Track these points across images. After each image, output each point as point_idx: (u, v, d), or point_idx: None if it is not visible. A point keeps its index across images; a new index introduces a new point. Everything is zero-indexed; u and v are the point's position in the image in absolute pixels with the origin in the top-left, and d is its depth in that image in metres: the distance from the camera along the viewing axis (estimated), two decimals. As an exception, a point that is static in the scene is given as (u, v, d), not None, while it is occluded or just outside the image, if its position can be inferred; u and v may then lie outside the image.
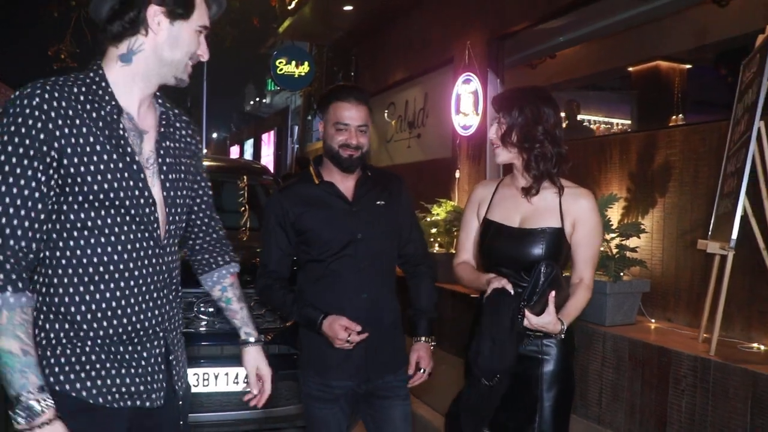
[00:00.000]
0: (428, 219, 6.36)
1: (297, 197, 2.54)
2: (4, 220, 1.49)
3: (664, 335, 4.02)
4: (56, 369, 1.59)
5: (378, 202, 2.58)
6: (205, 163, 6.17)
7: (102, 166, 1.58)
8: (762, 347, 3.69)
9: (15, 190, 1.49)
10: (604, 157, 5.07)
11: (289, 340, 3.47)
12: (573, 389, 2.49)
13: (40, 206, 1.52)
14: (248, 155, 26.84)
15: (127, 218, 1.64)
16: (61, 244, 1.59)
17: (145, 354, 1.70)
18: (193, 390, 3.38)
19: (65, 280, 1.60)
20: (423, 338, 2.67)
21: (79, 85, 1.61)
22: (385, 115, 9.56)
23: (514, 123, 2.37)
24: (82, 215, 1.59)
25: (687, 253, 4.34)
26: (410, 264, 2.75)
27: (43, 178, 1.52)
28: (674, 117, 7.01)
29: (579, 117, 10.45)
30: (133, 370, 1.67)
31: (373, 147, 9.20)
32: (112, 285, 1.63)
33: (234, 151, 30.23)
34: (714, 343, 3.48)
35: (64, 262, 1.60)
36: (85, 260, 1.60)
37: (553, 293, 2.22)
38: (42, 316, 1.61)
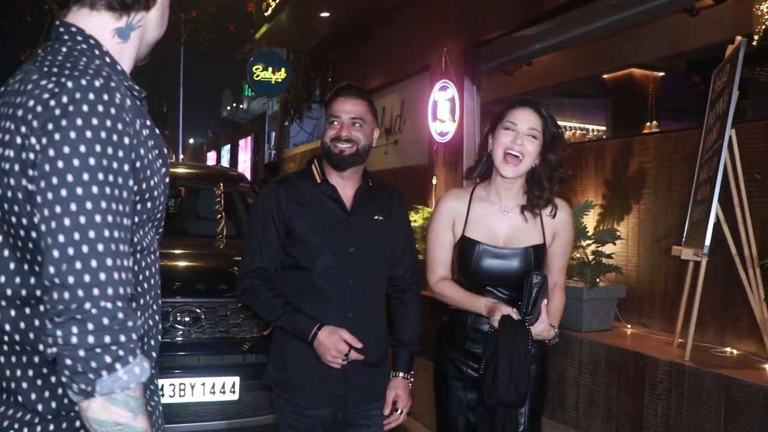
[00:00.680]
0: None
1: (295, 191, 2.35)
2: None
3: (640, 341, 4.06)
4: None
5: (376, 217, 2.40)
6: (181, 170, 6.18)
7: (150, 165, 1.31)
8: (735, 351, 3.73)
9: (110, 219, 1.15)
10: (579, 164, 5.11)
11: (266, 349, 3.46)
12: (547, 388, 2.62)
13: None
14: (225, 161, 26.69)
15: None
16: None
17: None
18: (169, 401, 3.35)
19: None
20: (401, 374, 2.46)
21: (110, 65, 1.30)
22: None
23: (547, 139, 2.31)
24: (141, 232, 1.34)
25: (661, 260, 4.38)
26: (398, 288, 2.52)
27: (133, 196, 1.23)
28: (648, 124, 7.09)
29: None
30: None
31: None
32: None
33: (211, 157, 30.03)
34: (689, 348, 3.52)
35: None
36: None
37: (545, 301, 2.23)
38: None
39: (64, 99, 1.14)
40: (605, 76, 7.93)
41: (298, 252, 2.31)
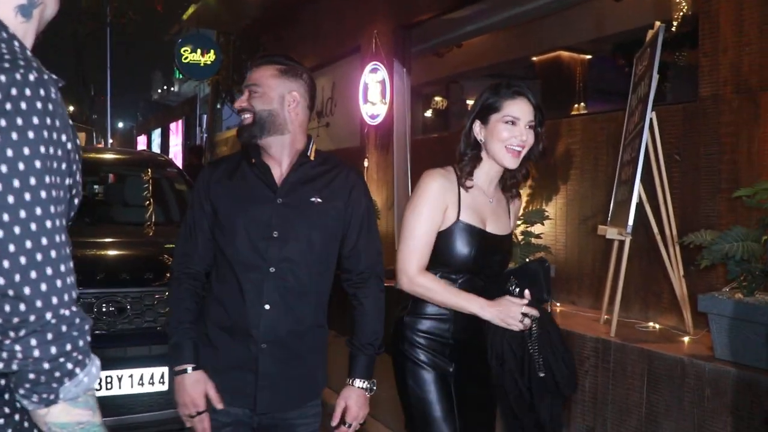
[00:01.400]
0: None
1: (224, 171, 2.16)
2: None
3: (569, 318, 4.15)
4: None
5: (313, 199, 2.11)
6: (107, 156, 5.99)
7: (76, 160, 1.24)
8: (657, 326, 3.86)
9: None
10: (509, 146, 5.17)
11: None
12: None
13: None
14: (156, 146, 26.08)
15: None
16: None
17: None
18: (96, 394, 3.25)
19: None
20: (357, 381, 2.16)
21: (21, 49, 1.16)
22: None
23: (539, 128, 2.23)
24: None
25: (588, 239, 4.49)
26: (352, 284, 2.22)
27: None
28: (576, 105, 7.21)
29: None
30: None
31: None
32: None
33: (141, 142, 29.29)
34: (614, 324, 3.62)
35: None
36: None
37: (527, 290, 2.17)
38: None
39: None
40: (534, 58, 8.02)
41: (220, 235, 2.12)
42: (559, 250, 4.71)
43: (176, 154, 21.19)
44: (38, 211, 1.06)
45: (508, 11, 6.28)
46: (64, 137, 1.14)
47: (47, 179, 1.07)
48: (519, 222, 4.37)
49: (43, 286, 1.06)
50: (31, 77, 1.08)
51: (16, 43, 1.16)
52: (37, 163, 1.06)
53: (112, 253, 4.00)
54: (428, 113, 8.60)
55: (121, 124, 43.32)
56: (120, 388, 3.32)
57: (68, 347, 1.08)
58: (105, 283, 3.46)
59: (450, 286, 2.17)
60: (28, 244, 1.05)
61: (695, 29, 4.00)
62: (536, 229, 4.42)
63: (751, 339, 2.99)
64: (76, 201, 1.25)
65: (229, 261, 2.09)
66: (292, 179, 2.11)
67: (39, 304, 1.05)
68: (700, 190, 3.86)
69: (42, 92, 1.09)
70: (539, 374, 2.08)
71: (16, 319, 1.05)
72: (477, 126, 2.22)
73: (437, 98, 8.87)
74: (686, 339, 3.54)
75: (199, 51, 10.99)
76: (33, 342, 1.05)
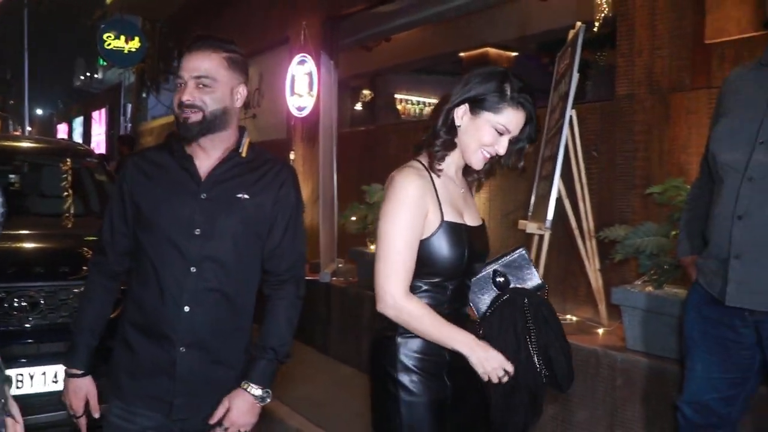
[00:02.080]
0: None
1: (146, 163, 2.01)
2: None
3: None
4: None
5: (240, 195, 1.97)
6: (24, 144, 5.76)
7: None
8: (574, 318, 3.98)
9: None
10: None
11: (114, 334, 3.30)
12: None
13: None
14: (78, 135, 25.22)
15: None
16: None
17: None
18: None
19: None
20: (250, 386, 1.98)
21: None
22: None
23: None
24: None
25: (510, 233, 4.58)
26: (270, 285, 2.07)
27: None
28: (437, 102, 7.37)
29: (416, 99, 10.77)
30: None
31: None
32: None
33: (62, 130, 28.28)
34: (532, 317, 3.70)
35: None
36: None
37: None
38: None
39: None
40: (462, 54, 8.14)
41: (140, 231, 1.98)
42: (482, 244, 4.79)
43: (99, 143, 20.58)
44: None
45: (437, 7, 6.34)
46: None
47: None
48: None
49: None
50: None
51: None
52: None
53: (26, 245, 3.85)
54: (356, 106, 8.61)
55: (40, 111, 41.69)
56: (32, 386, 3.21)
57: None
58: (16, 277, 3.34)
59: (438, 316, 1.87)
60: None
61: (615, 31, 4.13)
62: (460, 223, 4.47)
63: (660, 330, 3.12)
64: None
65: (149, 259, 1.96)
66: (218, 173, 1.98)
67: None
68: (615, 186, 3.99)
69: None
70: (542, 373, 1.91)
71: None
72: (462, 110, 1.94)
73: (365, 91, 8.91)
74: (601, 331, 3.66)
75: (122, 37, 10.68)
76: None
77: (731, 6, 3.28)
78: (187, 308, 1.93)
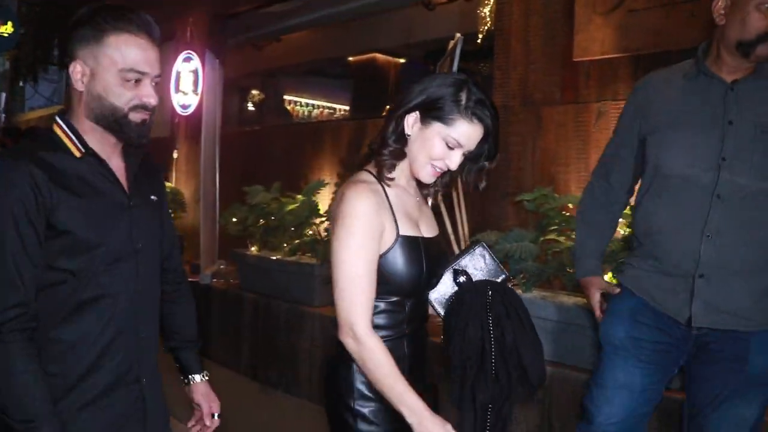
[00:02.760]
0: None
1: (54, 173, 1.58)
2: None
3: (368, 313, 4.28)
4: None
5: (152, 197, 1.80)
6: None
7: None
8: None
9: None
10: (317, 144, 5.24)
11: None
12: None
13: None
14: (-55, 122, 23.55)
15: None
16: None
17: None
18: None
19: None
20: (201, 376, 1.99)
21: None
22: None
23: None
24: None
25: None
26: (171, 281, 1.97)
27: None
28: (388, 107, 7.48)
29: (305, 101, 10.74)
30: None
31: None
32: None
33: (-73, 117, 26.31)
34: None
35: None
36: None
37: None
38: None
39: None
40: (350, 58, 8.20)
41: (70, 259, 1.59)
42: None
43: (-31, 133, 19.31)
44: None
45: (327, 10, 6.36)
46: None
47: None
48: (323, 220, 4.45)
49: None
50: None
51: None
52: None
53: None
54: (244, 106, 8.50)
55: None
56: None
57: None
58: None
59: (396, 369, 1.65)
60: None
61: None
62: (340, 226, 4.51)
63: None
64: None
65: (87, 290, 1.62)
66: (137, 178, 1.74)
67: None
68: (491, 193, 4.14)
69: None
70: (511, 373, 1.77)
71: None
72: (412, 119, 1.75)
73: (254, 91, 8.81)
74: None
75: (-6, 22, 10.07)
76: None
77: (595, 29, 3.48)
78: (143, 334, 1.73)
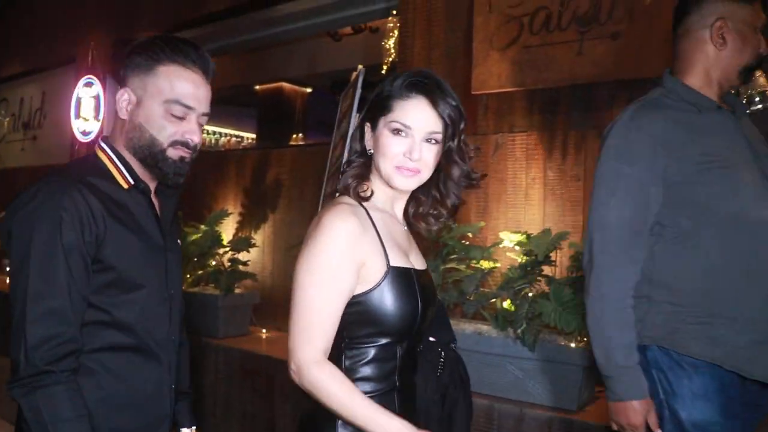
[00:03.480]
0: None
1: (108, 202, 1.51)
2: None
3: (273, 344, 4.24)
4: None
5: (178, 241, 1.76)
6: None
7: None
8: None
9: None
10: (221, 172, 5.19)
11: None
12: None
13: None
14: None
15: None
16: None
17: None
18: None
19: None
20: (191, 429, 1.88)
21: None
22: (-3, 112, 8.60)
23: (456, 143, 1.60)
24: None
25: (293, 266, 4.63)
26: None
27: None
28: (295, 136, 7.50)
29: (212, 129, 10.62)
30: None
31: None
32: None
33: None
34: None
35: None
36: None
37: None
38: None
39: None
40: (257, 87, 8.20)
41: (113, 299, 1.50)
42: (266, 277, 4.81)
43: None
44: None
45: (232, 38, 6.34)
46: None
47: None
48: (227, 250, 4.39)
49: None
50: None
51: None
52: None
53: None
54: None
55: None
56: None
57: None
58: None
59: (357, 394, 1.45)
60: None
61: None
62: (243, 256, 4.47)
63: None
64: None
65: (134, 332, 1.54)
66: (171, 214, 1.68)
67: None
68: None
69: None
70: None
71: None
72: (368, 133, 1.62)
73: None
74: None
75: None
76: None
77: (492, 63, 3.61)
78: (174, 384, 1.67)
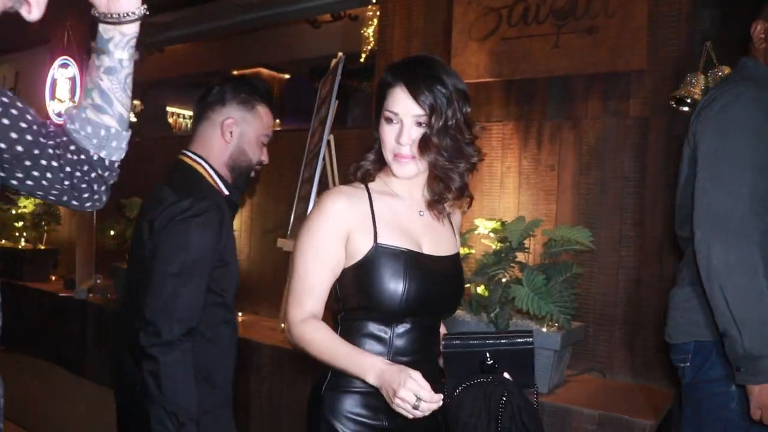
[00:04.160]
0: (14, 212, 5.87)
1: (228, 212, 2.11)
2: None
3: (250, 327, 4.28)
4: None
5: None
6: None
7: None
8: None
9: None
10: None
11: None
12: None
13: None
14: None
15: None
16: None
17: None
18: None
19: None
20: None
21: None
22: (-30, 92, 8.48)
23: (441, 125, 1.63)
24: None
25: (270, 251, 4.68)
26: None
27: None
28: (273, 122, 7.49)
29: (188, 113, 10.54)
30: None
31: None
32: None
33: None
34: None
35: None
36: None
37: None
38: None
39: None
40: (235, 72, 8.15)
41: (226, 288, 2.09)
42: (243, 261, 4.83)
43: None
44: None
45: (211, 23, 6.33)
46: None
47: None
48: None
49: None
50: None
51: None
52: None
53: None
54: (125, 116, 8.26)
55: None
56: None
57: None
58: None
59: (337, 339, 1.57)
60: None
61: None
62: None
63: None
64: None
65: (229, 312, 2.12)
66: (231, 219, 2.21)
67: None
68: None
69: None
70: None
71: None
72: (381, 123, 1.71)
73: (135, 102, 8.56)
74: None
75: None
76: None
77: (470, 53, 3.66)
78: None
